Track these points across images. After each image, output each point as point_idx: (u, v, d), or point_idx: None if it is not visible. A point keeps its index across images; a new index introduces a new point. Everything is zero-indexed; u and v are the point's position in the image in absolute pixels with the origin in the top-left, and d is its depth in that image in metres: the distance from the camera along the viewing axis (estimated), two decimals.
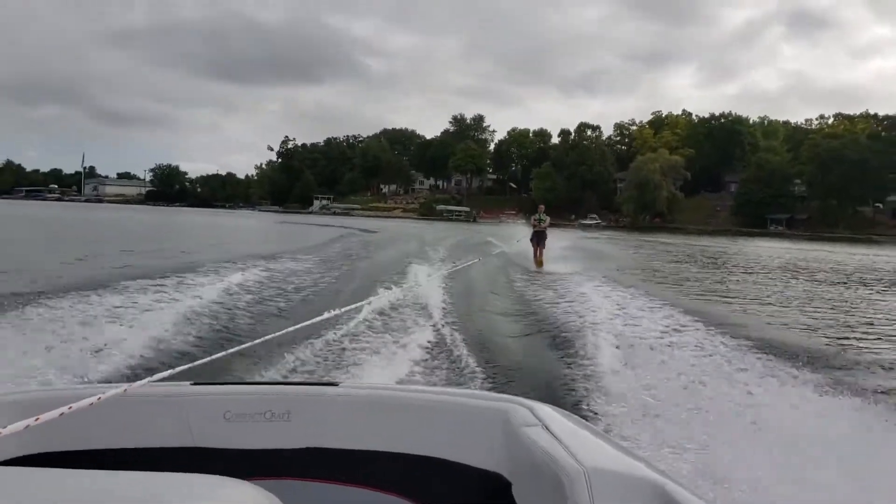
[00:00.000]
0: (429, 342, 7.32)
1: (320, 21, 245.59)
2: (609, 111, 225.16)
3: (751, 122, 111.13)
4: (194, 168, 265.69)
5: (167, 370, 1.65)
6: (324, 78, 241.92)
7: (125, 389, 1.48)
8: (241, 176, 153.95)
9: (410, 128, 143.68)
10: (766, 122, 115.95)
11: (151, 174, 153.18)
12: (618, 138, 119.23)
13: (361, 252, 23.38)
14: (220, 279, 11.37)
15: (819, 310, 12.26)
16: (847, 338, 8.95)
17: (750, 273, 21.93)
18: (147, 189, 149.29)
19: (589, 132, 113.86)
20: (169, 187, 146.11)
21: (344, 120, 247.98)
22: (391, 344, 7.13)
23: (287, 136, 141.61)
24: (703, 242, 45.99)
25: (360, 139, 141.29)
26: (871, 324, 10.56)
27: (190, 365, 1.78)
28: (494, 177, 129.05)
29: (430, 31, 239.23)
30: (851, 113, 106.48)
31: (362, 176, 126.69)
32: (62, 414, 1.27)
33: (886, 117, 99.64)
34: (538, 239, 18.18)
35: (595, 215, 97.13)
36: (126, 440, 1.69)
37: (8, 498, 0.83)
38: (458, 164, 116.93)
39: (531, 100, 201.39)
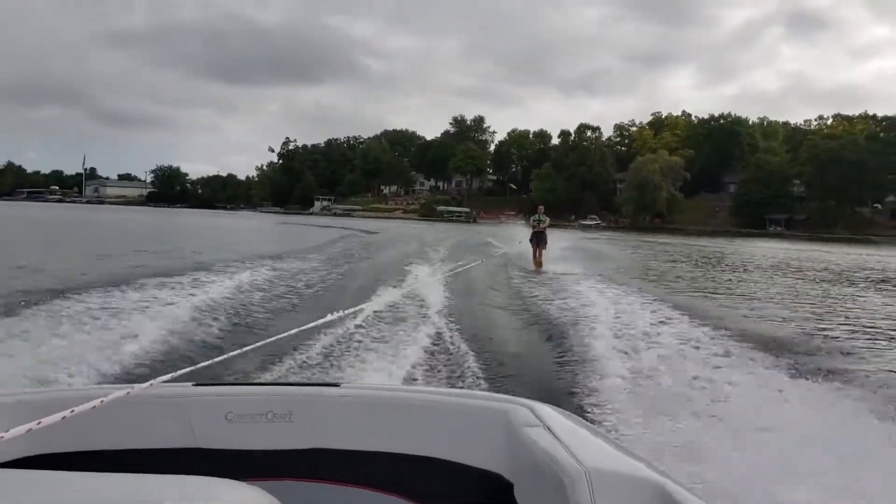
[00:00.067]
0: (430, 342, 7.41)
1: (320, 22, 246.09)
2: (609, 112, 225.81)
3: (750, 122, 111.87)
4: (195, 169, 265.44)
5: (170, 372, 1.71)
6: (324, 78, 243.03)
7: (128, 392, 1.50)
8: (241, 177, 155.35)
9: (410, 128, 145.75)
10: (765, 122, 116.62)
11: (152, 175, 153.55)
12: (617, 139, 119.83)
13: (362, 252, 23.79)
14: (230, 277, 12.22)
15: (801, 305, 12.84)
16: (819, 329, 9.55)
17: (743, 272, 22.40)
18: (148, 190, 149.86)
19: (589, 133, 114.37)
20: (170, 188, 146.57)
21: (344, 121, 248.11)
22: (392, 345, 7.19)
23: (288, 138, 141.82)
24: (702, 243, 46.51)
25: (361, 140, 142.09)
26: (847, 317, 11.14)
27: (193, 367, 1.83)
28: (494, 178, 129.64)
29: (430, 32, 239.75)
30: (850, 114, 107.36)
31: (363, 177, 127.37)
32: (64, 417, 1.28)
33: (885, 118, 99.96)
34: (538, 240, 18.13)
35: (595, 216, 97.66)
36: (128, 441, 1.69)
37: (10, 500, 0.84)
38: (459, 166, 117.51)
39: (531, 100, 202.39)
